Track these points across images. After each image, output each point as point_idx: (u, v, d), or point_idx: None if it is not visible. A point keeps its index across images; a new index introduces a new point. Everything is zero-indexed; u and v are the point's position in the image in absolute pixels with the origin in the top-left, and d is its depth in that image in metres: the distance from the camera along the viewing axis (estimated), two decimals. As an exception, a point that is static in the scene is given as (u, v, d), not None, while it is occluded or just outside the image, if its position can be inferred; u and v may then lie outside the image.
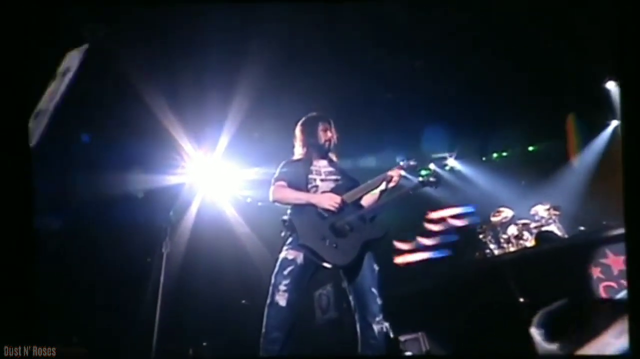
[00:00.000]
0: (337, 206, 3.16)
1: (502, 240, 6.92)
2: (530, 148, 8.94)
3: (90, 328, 5.03)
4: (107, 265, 5.49)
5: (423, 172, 9.04)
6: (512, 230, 6.89)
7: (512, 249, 6.73)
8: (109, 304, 5.37)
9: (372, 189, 3.41)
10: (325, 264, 3.03)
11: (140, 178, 6.24)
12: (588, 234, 6.34)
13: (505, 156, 9.11)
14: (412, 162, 3.67)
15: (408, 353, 5.64)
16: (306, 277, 3.10)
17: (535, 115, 8.06)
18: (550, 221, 6.79)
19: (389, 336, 3.06)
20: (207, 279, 6.66)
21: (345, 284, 3.20)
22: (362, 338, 3.03)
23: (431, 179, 3.59)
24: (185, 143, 6.65)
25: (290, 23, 5.61)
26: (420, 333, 5.87)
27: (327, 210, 3.16)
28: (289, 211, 3.28)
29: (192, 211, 7.05)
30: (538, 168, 8.52)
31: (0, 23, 2.50)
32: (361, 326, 3.05)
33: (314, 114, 3.69)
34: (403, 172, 3.51)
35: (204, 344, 6.50)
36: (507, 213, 7.19)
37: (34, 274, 2.33)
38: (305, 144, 3.54)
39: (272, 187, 3.37)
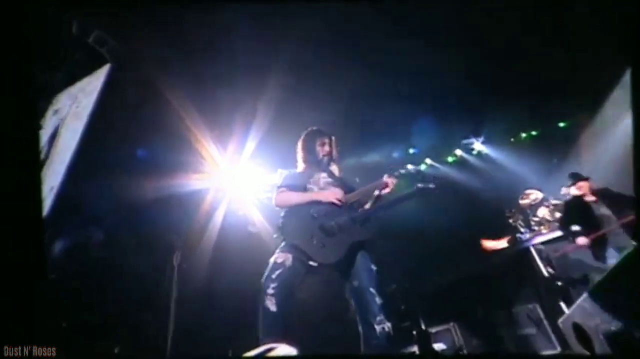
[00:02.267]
0: (341, 199, 3.29)
1: (532, 223, 6.77)
2: (562, 124, 8.59)
3: (116, 334, 5.18)
4: (130, 272, 5.61)
5: (450, 159, 9.09)
6: (543, 212, 6.71)
7: (544, 231, 6.58)
8: (134, 311, 5.50)
9: (367, 196, 3.47)
10: (311, 263, 3.12)
11: (165, 183, 6.35)
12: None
13: (534, 135, 8.81)
14: (402, 171, 3.69)
15: (440, 345, 5.64)
16: (295, 280, 3.16)
17: (564, 88, 7.75)
18: (584, 200, 6.58)
19: (392, 337, 3.04)
20: (236, 282, 6.73)
21: (345, 287, 3.24)
22: (364, 338, 3.06)
23: (430, 185, 3.57)
24: (211, 148, 6.75)
25: (317, 29, 5.71)
26: (452, 324, 5.88)
27: (324, 210, 3.25)
28: (282, 214, 3.38)
29: (219, 214, 7.15)
30: (571, 145, 8.29)
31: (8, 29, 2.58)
32: (363, 327, 3.08)
33: (313, 128, 3.78)
34: (395, 180, 3.52)
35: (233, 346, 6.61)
36: (536, 195, 7.00)
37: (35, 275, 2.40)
38: (305, 160, 3.68)
39: (275, 194, 3.51)
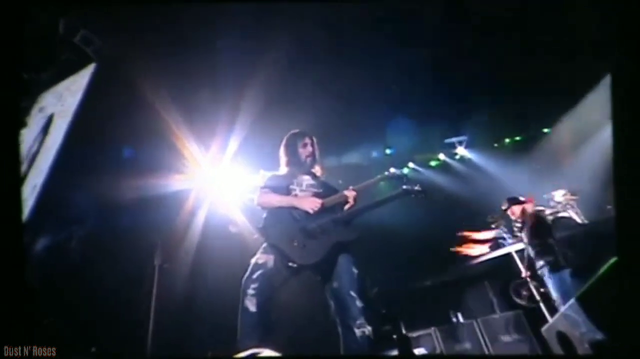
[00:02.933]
0: (316, 209, 3.28)
1: (515, 228, 6.88)
2: (546, 130, 8.77)
3: (101, 335, 5.15)
4: (114, 272, 5.54)
5: (432, 163, 9.17)
6: (525, 218, 6.83)
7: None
8: (116, 311, 5.44)
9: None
10: (291, 264, 3.12)
11: (147, 183, 6.26)
12: (607, 220, 6.29)
13: (518, 141, 8.99)
14: (392, 170, 3.73)
15: (421, 350, 5.72)
16: (277, 282, 3.16)
17: (549, 94, 7.84)
18: (567, 206, 6.73)
19: (372, 341, 3.03)
20: (221, 283, 6.72)
21: (326, 289, 3.23)
22: (344, 342, 3.05)
23: (416, 188, 3.58)
24: (194, 148, 6.74)
25: (297, 30, 5.77)
26: (433, 328, 5.95)
27: (305, 212, 3.28)
28: (264, 216, 3.38)
29: (201, 215, 7.14)
30: (554, 151, 8.43)
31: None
32: (342, 330, 3.07)
33: (294, 131, 3.80)
34: (354, 193, 3.48)
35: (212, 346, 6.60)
36: (519, 201, 7.13)
37: (31, 278, 2.39)
38: (288, 163, 3.68)
39: (257, 193, 3.52)
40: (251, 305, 2.99)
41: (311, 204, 3.29)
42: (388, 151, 8.76)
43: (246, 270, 3.19)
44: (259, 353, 2.41)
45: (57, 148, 4.18)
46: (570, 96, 7.87)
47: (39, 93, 4.67)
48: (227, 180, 7.35)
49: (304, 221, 3.25)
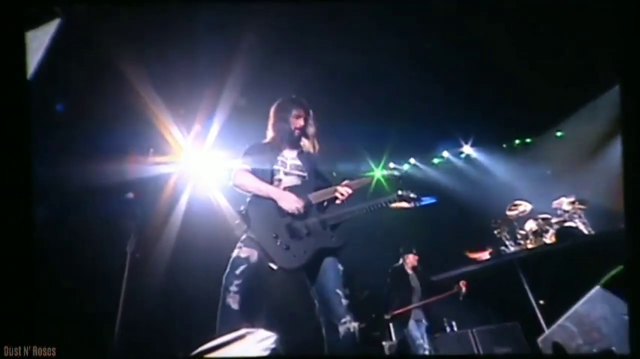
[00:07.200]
0: (298, 212, 3.13)
1: (519, 236, 6.91)
2: (558, 134, 8.70)
3: (74, 326, 5.06)
4: (89, 259, 5.44)
5: (435, 161, 9.13)
6: (531, 225, 6.86)
7: (530, 245, 6.70)
8: (91, 300, 5.25)
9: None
10: (271, 265, 3.00)
11: (128, 168, 6.18)
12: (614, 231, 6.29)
13: (528, 143, 8.97)
14: (392, 166, 3.64)
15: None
16: (260, 277, 3.04)
17: (563, 97, 7.80)
18: (575, 215, 6.73)
19: (356, 337, 2.98)
20: (201, 270, 6.62)
21: (310, 287, 3.15)
22: (327, 340, 2.99)
23: (411, 195, 3.51)
24: (175, 132, 6.68)
25: (283, 16, 5.63)
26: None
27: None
28: (248, 199, 3.21)
29: (183, 200, 7.10)
30: (566, 156, 8.34)
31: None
32: (326, 328, 3.00)
33: (292, 96, 3.58)
34: (350, 190, 3.32)
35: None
36: (525, 207, 7.17)
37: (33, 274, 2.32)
38: (276, 128, 3.47)
39: (235, 170, 3.30)
40: (233, 303, 2.87)
41: (292, 206, 3.13)
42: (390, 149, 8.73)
43: (227, 264, 3.04)
44: (249, 333, 2.29)
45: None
46: (588, 97, 7.83)
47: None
48: (208, 165, 7.31)
49: (290, 217, 3.11)
